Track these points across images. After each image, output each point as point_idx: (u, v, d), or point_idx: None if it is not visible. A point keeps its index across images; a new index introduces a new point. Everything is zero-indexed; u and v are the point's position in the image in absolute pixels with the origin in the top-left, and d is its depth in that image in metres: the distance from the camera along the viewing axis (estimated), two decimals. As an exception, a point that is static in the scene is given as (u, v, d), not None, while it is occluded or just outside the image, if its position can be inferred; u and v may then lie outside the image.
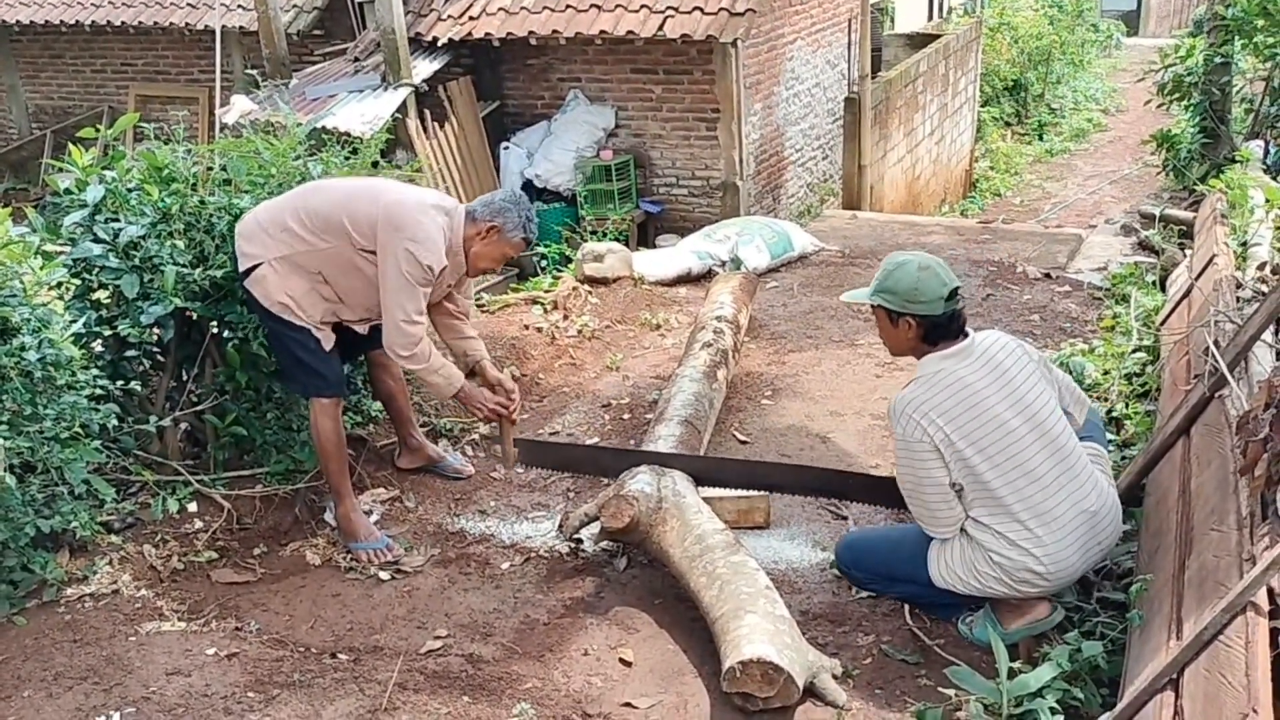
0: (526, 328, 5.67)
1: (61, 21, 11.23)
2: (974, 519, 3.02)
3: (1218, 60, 9.39)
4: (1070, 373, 4.63)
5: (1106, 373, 4.71)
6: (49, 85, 12.41)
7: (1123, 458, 3.87)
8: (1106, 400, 4.45)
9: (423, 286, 3.60)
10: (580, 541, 3.83)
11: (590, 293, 6.23)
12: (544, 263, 8.59)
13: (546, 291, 6.24)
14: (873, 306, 3.15)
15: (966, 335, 3.08)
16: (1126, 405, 4.34)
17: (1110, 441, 3.88)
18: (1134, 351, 4.82)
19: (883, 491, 3.62)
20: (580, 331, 5.77)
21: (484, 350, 4.08)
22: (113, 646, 3.05)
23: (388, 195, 3.64)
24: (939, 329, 3.04)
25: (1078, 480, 3.02)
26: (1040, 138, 17.63)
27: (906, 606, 3.34)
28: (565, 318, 5.88)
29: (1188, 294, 4.87)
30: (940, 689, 2.90)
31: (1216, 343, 3.46)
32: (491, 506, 4.17)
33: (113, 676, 2.93)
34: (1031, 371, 3.09)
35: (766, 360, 5.43)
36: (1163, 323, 4.97)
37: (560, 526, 3.86)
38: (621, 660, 3.19)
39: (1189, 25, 20.88)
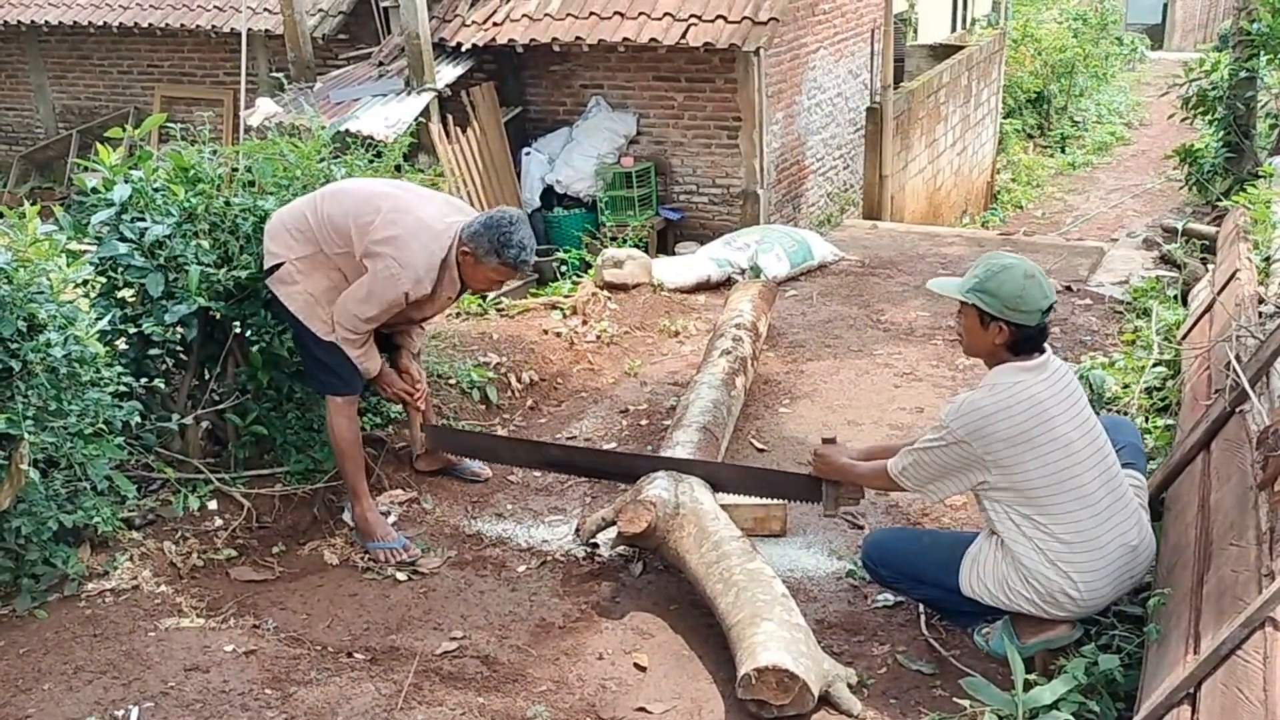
0: (546, 332, 5.69)
1: (89, 23, 11.33)
2: (1019, 530, 2.97)
3: (1242, 75, 9.35)
4: (1090, 386, 4.62)
5: (1127, 386, 4.69)
6: (76, 85, 12.53)
7: (1142, 472, 3.86)
8: (1127, 414, 4.43)
9: (390, 305, 3.63)
10: (597, 546, 3.84)
11: (609, 298, 6.25)
12: (564, 268, 8.62)
13: (566, 297, 6.27)
14: (962, 304, 3.04)
15: (1043, 351, 3.02)
16: (1146, 419, 4.32)
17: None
18: (1154, 365, 4.80)
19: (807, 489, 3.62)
20: (599, 337, 5.79)
21: (416, 345, 4.17)
22: (132, 641, 3.08)
23: (394, 210, 3.63)
24: (1028, 340, 2.97)
25: (1124, 512, 2.99)
26: (1063, 150, 17.56)
27: (923, 617, 3.34)
28: (584, 323, 5.90)
29: (1209, 309, 4.84)
30: (955, 700, 2.90)
31: (1238, 357, 3.44)
32: (509, 509, 4.18)
33: (132, 671, 2.95)
34: (1086, 398, 3.06)
35: (785, 368, 5.43)
36: (1184, 337, 4.95)
37: (577, 530, 3.88)
38: (636, 665, 3.20)
39: (1214, 39, 20.83)
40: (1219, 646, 2.27)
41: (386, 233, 3.57)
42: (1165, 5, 27.62)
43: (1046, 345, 3.04)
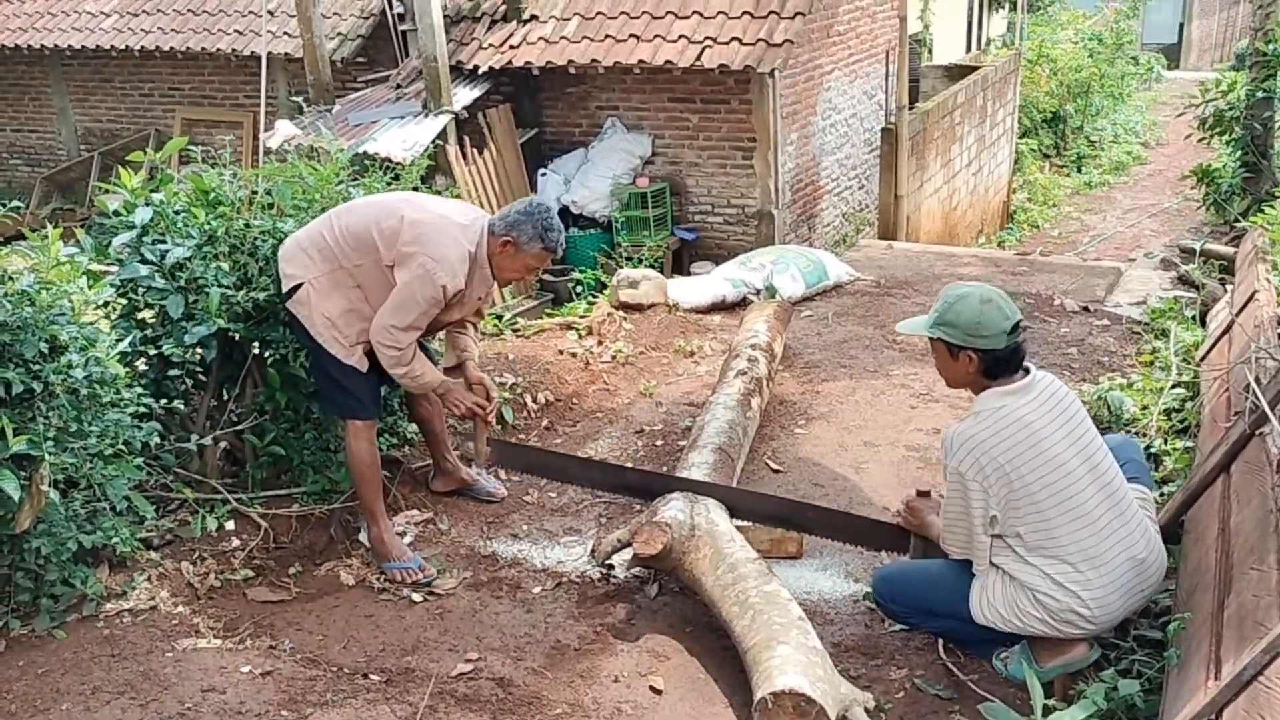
0: (561, 352, 5.70)
1: (112, 46, 11.48)
2: (1021, 558, 2.98)
3: (1260, 95, 9.32)
4: (1108, 407, 4.60)
5: (1145, 408, 4.66)
6: (98, 108, 12.68)
7: (1161, 494, 3.83)
8: (1145, 436, 4.41)
9: (430, 305, 3.63)
10: (612, 567, 3.84)
11: (625, 319, 6.26)
12: (579, 288, 8.65)
13: (581, 317, 6.28)
14: (931, 339, 3.09)
15: (1028, 371, 3.04)
16: (1165, 441, 4.30)
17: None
18: (1173, 387, 4.77)
19: (892, 539, 3.60)
20: (614, 357, 5.79)
21: (475, 352, 4.10)
22: (150, 662, 3.09)
23: (415, 212, 3.68)
24: (1000, 364, 2.99)
25: (1129, 526, 2.99)
26: (1079, 170, 17.54)
27: (940, 641, 3.32)
28: (600, 343, 5.91)
29: (1228, 330, 4.82)
30: (973, 724, 2.88)
31: (1258, 379, 3.42)
32: (524, 530, 4.19)
33: (149, 692, 2.96)
34: (1085, 415, 3.06)
35: (800, 389, 5.42)
36: (1203, 358, 4.92)
37: (592, 552, 3.87)
38: (652, 688, 3.18)
39: (1231, 59, 20.78)
40: (1241, 672, 2.25)
41: (415, 233, 3.60)
42: (1181, 25, 27.62)
43: (1030, 365, 3.06)
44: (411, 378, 3.77)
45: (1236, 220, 8.75)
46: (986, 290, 3.03)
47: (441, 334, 4.14)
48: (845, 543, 3.80)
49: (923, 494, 3.48)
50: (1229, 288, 5.88)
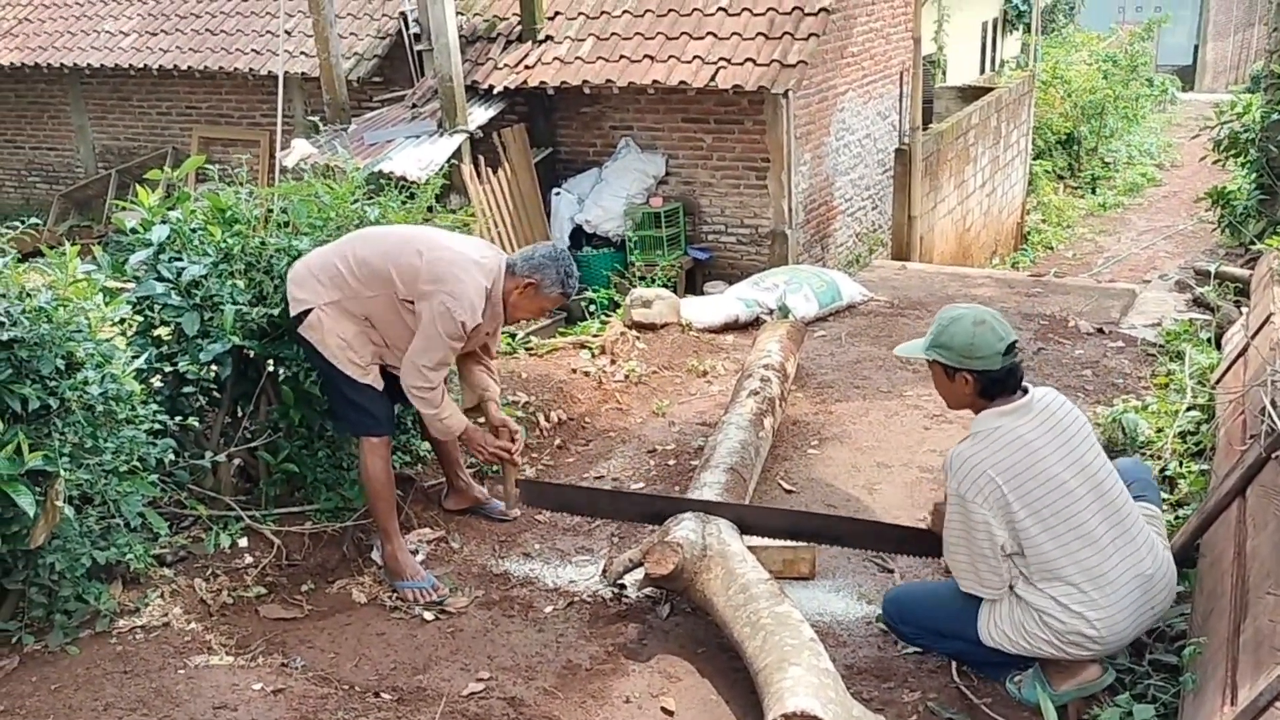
0: (574, 371, 5.71)
1: (130, 65, 11.59)
2: (1026, 580, 2.97)
3: (1275, 117, 9.29)
4: (1123, 429, 4.57)
5: (1160, 430, 4.64)
6: (115, 126, 12.79)
7: (1176, 518, 3.81)
8: (1160, 459, 4.39)
9: (453, 340, 3.67)
10: (624, 587, 3.83)
11: (638, 338, 6.26)
12: (592, 307, 8.66)
13: (594, 336, 6.29)
14: (928, 361, 3.12)
15: (1025, 391, 3.05)
16: (1180, 464, 4.28)
17: (1163, 500, 3.81)
18: (1188, 410, 4.75)
19: (926, 543, 3.59)
20: (627, 376, 5.80)
21: (496, 391, 4.13)
22: (162, 678, 3.09)
23: (433, 249, 3.70)
24: (996, 384, 3.01)
25: (1134, 544, 2.97)
26: (1093, 191, 17.53)
27: (954, 663, 3.30)
28: (612, 362, 5.91)
29: (1243, 352, 4.80)
30: (987, 748, 2.86)
31: (1274, 402, 3.40)
32: (536, 549, 4.18)
33: (161, 709, 2.96)
34: (1089, 432, 3.05)
35: (813, 409, 5.41)
36: (1218, 381, 4.90)
37: (604, 572, 3.87)
38: (664, 709, 3.17)
39: (1245, 81, 20.77)
40: (1257, 698, 2.23)
41: (434, 271, 3.63)
42: (1196, 47, 27.63)
43: (1028, 385, 3.06)
44: (441, 419, 3.80)
45: (1252, 243, 8.72)
46: (980, 311, 3.05)
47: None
48: (881, 551, 3.82)
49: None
50: (1244, 310, 5.85)
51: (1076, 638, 2.92)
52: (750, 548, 3.63)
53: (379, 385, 3.79)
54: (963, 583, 3.11)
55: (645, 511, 4.05)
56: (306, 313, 3.68)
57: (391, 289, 3.65)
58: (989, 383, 3.01)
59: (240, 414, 4.05)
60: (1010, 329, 3.05)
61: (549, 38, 9.69)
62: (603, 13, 9.69)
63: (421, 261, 3.65)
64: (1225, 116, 10.07)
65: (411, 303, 3.65)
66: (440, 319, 3.60)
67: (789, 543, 3.84)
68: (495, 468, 4.36)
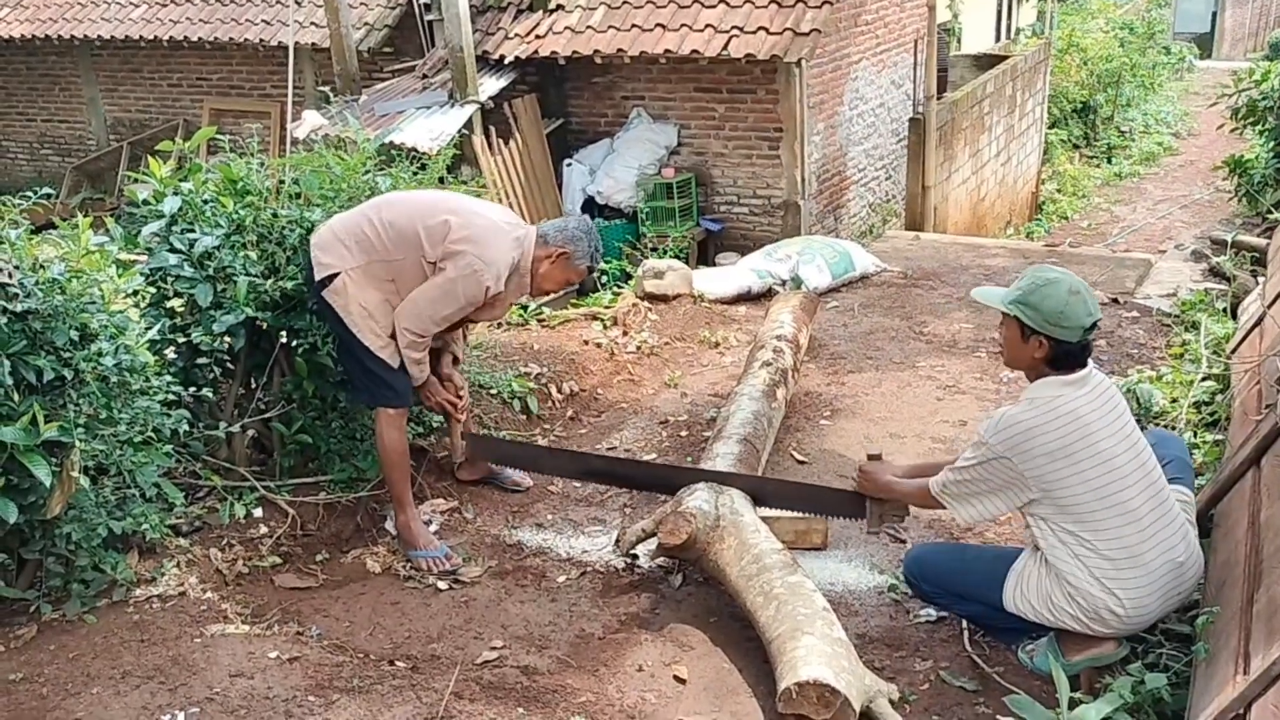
0: (586, 343, 5.71)
1: (141, 37, 11.54)
2: (1065, 547, 2.95)
3: (1293, 85, 9.20)
4: (1138, 400, 4.55)
5: (1175, 401, 4.62)
6: (127, 98, 12.76)
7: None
8: (1175, 428, 4.37)
9: (469, 302, 3.69)
10: (636, 557, 3.85)
11: (650, 309, 6.26)
12: (604, 279, 8.63)
13: (607, 307, 6.28)
14: (1005, 315, 3.03)
15: (1085, 366, 2.99)
16: (1195, 434, 4.26)
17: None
18: (1203, 380, 4.73)
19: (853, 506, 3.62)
20: (639, 348, 5.79)
21: (459, 349, 4.18)
22: (179, 647, 3.12)
23: (465, 214, 3.72)
24: (1068, 356, 2.95)
25: (1171, 528, 2.95)
26: (1109, 160, 17.36)
27: (966, 633, 3.30)
28: (625, 334, 5.91)
29: (1259, 322, 4.76)
30: (999, 717, 2.87)
31: (1290, 372, 3.38)
32: (549, 520, 4.20)
33: (178, 676, 2.99)
34: (1130, 413, 3.03)
35: (826, 380, 5.41)
36: (1233, 351, 4.87)
37: (617, 541, 3.88)
38: (676, 677, 3.19)
39: (1264, 48, 20.51)
40: (1270, 667, 2.23)
41: (465, 232, 3.64)
42: (1214, 14, 27.29)
43: (1090, 361, 3.01)
44: (413, 361, 3.82)
45: (1269, 212, 8.64)
46: (1076, 281, 2.96)
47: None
48: (807, 512, 3.83)
49: (874, 457, 3.50)
50: (1260, 280, 5.81)
51: (1105, 614, 2.91)
52: (763, 518, 3.64)
53: (395, 363, 3.79)
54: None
55: (585, 469, 4.29)
56: (332, 277, 3.67)
57: (419, 251, 3.65)
58: (1062, 354, 2.94)
59: (254, 385, 4.07)
60: (1099, 307, 2.98)
61: (560, 6, 9.62)
62: (614, -19, 9.60)
63: (453, 220, 3.66)
64: (1243, 84, 9.95)
65: (435, 264, 3.65)
66: (465, 279, 3.61)
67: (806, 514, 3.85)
68: (441, 419, 4.41)
